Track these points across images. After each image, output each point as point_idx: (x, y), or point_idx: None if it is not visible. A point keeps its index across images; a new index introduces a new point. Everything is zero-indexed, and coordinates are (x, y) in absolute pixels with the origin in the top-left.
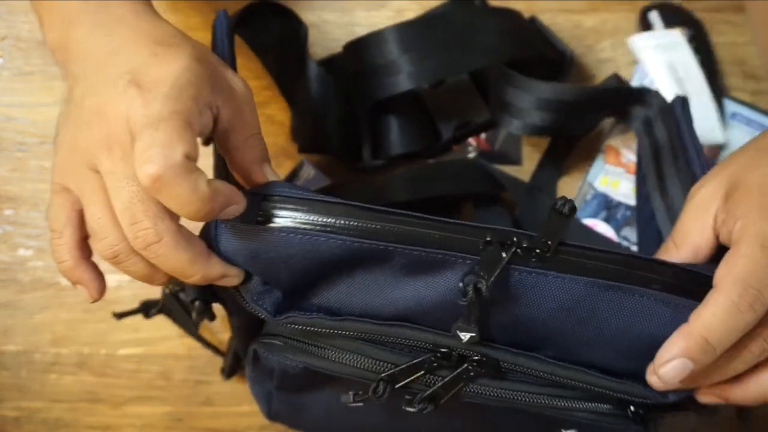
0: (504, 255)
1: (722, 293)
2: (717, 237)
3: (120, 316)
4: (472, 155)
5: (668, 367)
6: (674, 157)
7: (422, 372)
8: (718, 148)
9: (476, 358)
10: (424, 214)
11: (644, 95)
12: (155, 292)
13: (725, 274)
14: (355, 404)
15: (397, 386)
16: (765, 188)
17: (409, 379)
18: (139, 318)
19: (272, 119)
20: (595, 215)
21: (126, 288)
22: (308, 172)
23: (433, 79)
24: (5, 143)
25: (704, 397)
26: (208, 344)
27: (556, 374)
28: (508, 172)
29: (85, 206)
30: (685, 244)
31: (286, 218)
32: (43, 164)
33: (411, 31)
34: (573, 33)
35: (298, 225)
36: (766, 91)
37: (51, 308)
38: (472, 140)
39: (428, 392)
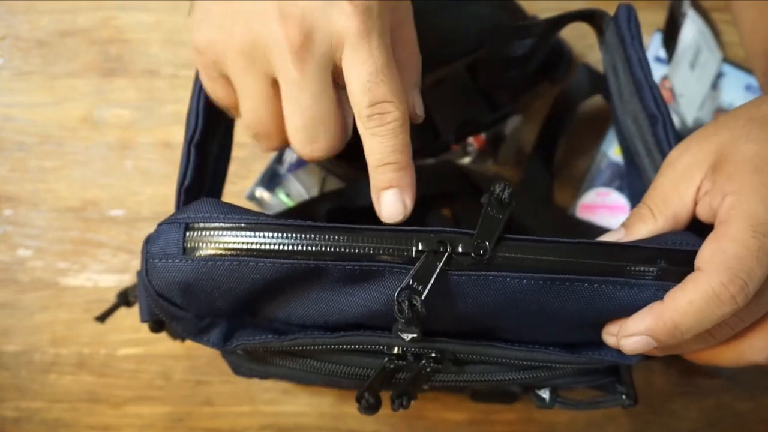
0: (438, 264)
1: (704, 280)
2: (695, 207)
3: (102, 318)
4: (471, 156)
5: (631, 340)
6: (625, 73)
7: (391, 377)
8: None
9: (433, 355)
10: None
11: (597, 15)
12: None
13: (711, 258)
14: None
15: (380, 392)
16: (760, 166)
17: (384, 385)
18: (139, 318)
19: None
20: (608, 184)
21: None
22: (291, 156)
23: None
24: (5, 143)
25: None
26: None
27: (515, 357)
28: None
29: (245, 106)
30: (664, 213)
31: (210, 244)
32: (43, 164)
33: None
34: (573, 33)
35: (223, 252)
36: None
37: (50, 308)
38: (471, 140)
39: (397, 391)
